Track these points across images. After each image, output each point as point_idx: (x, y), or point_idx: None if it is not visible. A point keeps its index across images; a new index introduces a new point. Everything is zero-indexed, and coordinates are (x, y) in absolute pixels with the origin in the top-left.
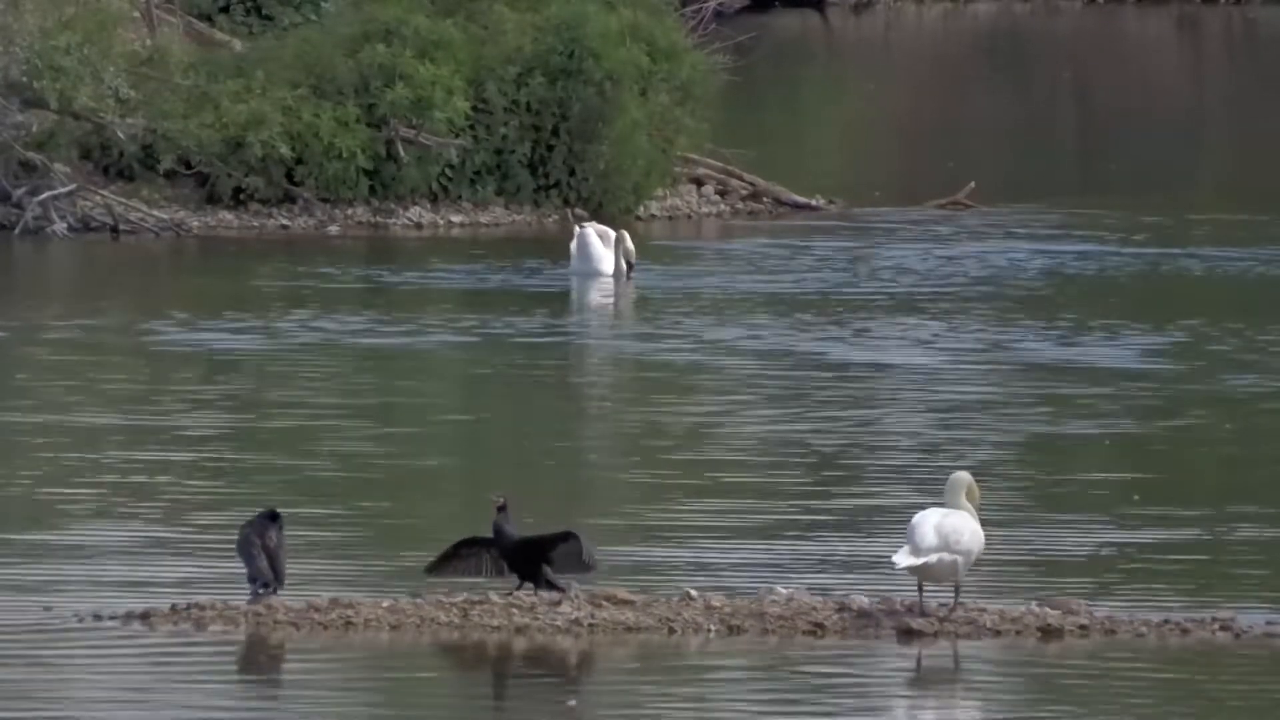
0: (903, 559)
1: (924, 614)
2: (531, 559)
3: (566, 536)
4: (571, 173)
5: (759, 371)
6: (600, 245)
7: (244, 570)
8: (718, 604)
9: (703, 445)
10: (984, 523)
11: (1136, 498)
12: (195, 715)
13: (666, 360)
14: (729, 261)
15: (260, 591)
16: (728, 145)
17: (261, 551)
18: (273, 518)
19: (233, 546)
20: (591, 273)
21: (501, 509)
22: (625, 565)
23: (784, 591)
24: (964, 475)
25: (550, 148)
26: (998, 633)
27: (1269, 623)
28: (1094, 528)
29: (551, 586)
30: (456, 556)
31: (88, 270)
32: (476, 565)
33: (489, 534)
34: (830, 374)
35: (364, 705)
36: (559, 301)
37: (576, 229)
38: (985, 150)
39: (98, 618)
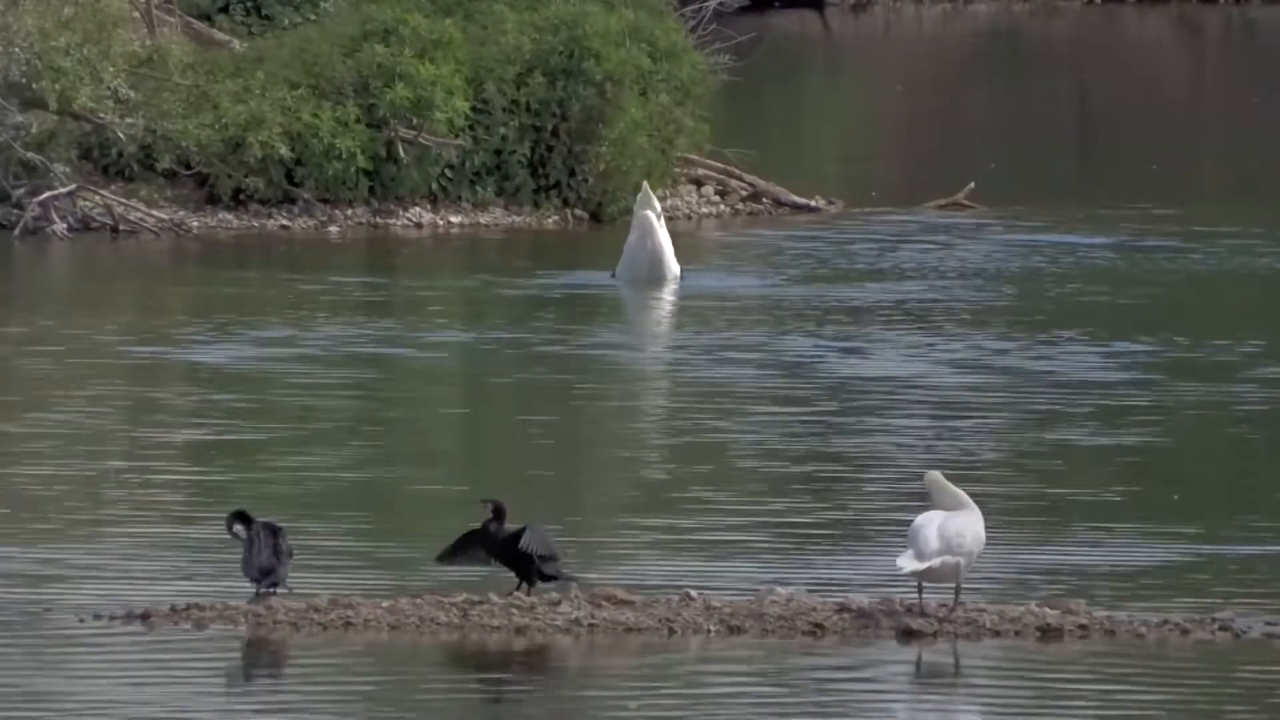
0: (907, 563)
1: (924, 614)
2: (518, 557)
3: (523, 530)
4: (571, 173)
5: (758, 379)
6: (645, 248)
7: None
8: (718, 604)
9: (703, 453)
10: (986, 531)
11: (1176, 497)
12: (195, 715)
13: (666, 367)
14: (727, 266)
15: (260, 592)
16: (727, 146)
17: (259, 552)
18: (274, 530)
19: (232, 548)
20: (635, 276)
21: (494, 515)
22: (626, 574)
23: (784, 591)
24: (935, 475)
25: (550, 148)
26: (997, 633)
27: (1268, 623)
28: (1094, 535)
29: (545, 578)
30: (463, 550)
31: (87, 272)
32: (481, 558)
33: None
34: (829, 380)
35: (364, 706)
36: (569, 306)
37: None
38: (985, 151)
39: (98, 618)
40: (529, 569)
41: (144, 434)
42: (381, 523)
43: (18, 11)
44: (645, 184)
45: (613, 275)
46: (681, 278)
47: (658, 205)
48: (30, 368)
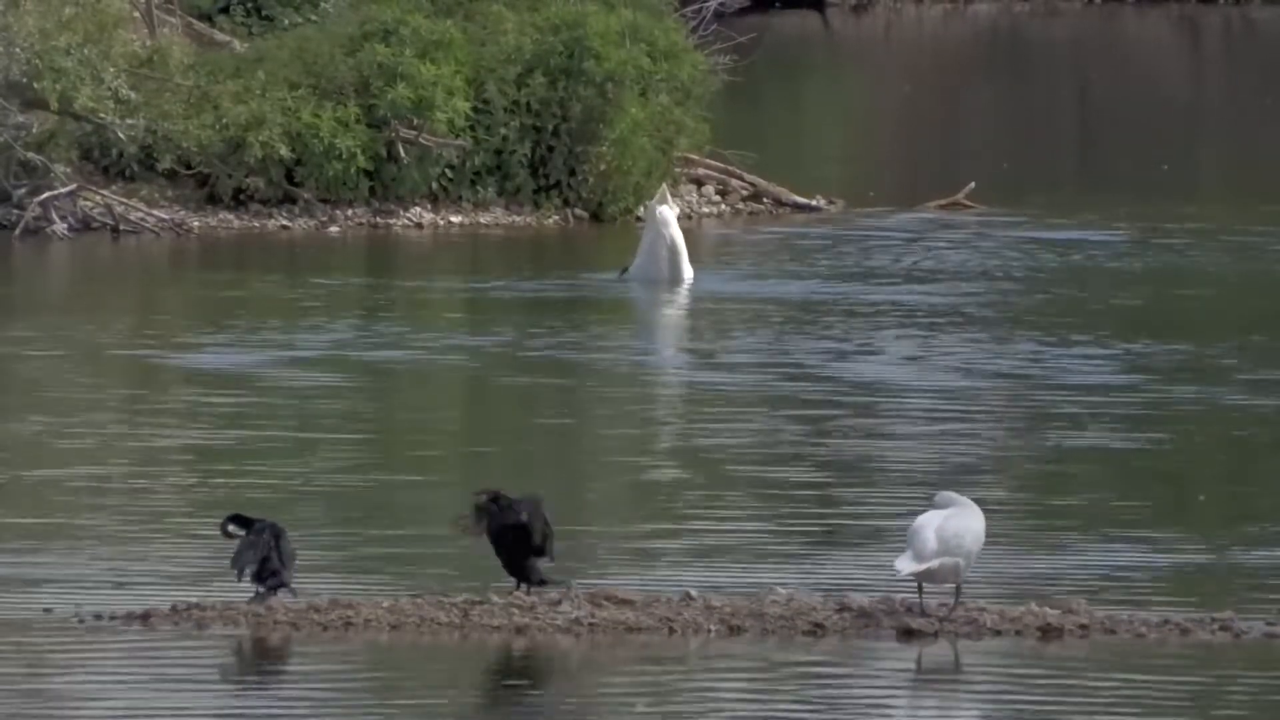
0: (905, 565)
1: (924, 614)
2: (513, 548)
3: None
4: (572, 173)
5: (760, 381)
6: (662, 249)
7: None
8: (718, 604)
9: (704, 454)
10: (986, 536)
11: (1201, 498)
12: (195, 715)
13: (666, 371)
14: (729, 267)
15: (261, 591)
16: (728, 146)
17: (261, 552)
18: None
19: (230, 550)
20: (650, 278)
21: (493, 501)
22: (627, 573)
23: (784, 591)
24: (948, 495)
25: (550, 148)
26: (998, 633)
27: (1269, 624)
28: (1096, 537)
29: (543, 583)
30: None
31: (87, 272)
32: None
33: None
34: (831, 382)
35: (364, 705)
36: (572, 308)
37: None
38: (990, 151)
39: (98, 618)
40: (524, 569)
41: (143, 435)
42: (382, 525)
43: (18, 11)
44: (664, 186)
45: (621, 275)
46: (691, 280)
47: (673, 205)
48: (30, 369)
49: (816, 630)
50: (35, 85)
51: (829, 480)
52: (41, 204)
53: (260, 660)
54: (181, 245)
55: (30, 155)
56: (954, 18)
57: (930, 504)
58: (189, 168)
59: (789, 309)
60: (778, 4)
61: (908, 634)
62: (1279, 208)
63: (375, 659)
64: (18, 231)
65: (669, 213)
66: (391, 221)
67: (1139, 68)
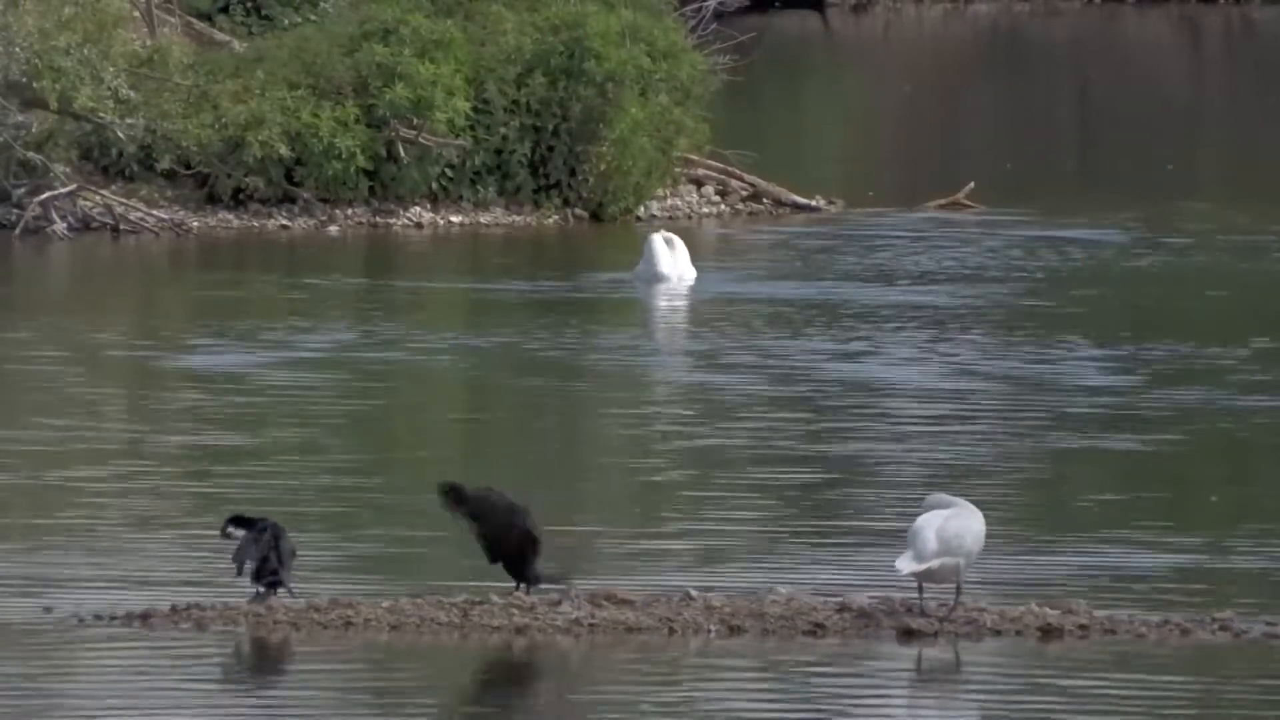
0: (905, 564)
1: (924, 614)
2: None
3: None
4: (572, 173)
5: (761, 382)
6: (664, 250)
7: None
8: (718, 604)
9: (704, 455)
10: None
11: (1214, 499)
12: (195, 715)
13: (666, 372)
14: (730, 267)
15: (260, 591)
16: (728, 146)
17: (262, 551)
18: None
19: (230, 551)
20: (652, 278)
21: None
22: (627, 573)
23: (784, 591)
24: (939, 496)
25: (550, 148)
26: (998, 633)
27: (1268, 624)
28: (1095, 538)
29: (541, 580)
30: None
31: (87, 272)
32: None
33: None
34: (831, 383)
35: (364, 705)
36: (572, 308)
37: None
38: (986, 151)
39: (98, 618)
40: (524, 569)
41: (142, 436)
42: (382, 525)
43: (18, 11)
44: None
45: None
46: (694, 280)
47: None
48: (29, 370)
49: (816, 630)
50: (35, 85)
51: (829, 480)
52: (41, 204)
53: (260, 660)
54: (181, 245)
55: (30, 155)
56: (954, 18)
57: (921, 505)
58: (188, 167)
59: (789, 309)
60: (778, 4)
61: (908, 634)
62: (1279, 207)
63: (375, 659)
64: (18, 231)
65: (656, 240)
66: (391, 221)
67: (1139, 68)
